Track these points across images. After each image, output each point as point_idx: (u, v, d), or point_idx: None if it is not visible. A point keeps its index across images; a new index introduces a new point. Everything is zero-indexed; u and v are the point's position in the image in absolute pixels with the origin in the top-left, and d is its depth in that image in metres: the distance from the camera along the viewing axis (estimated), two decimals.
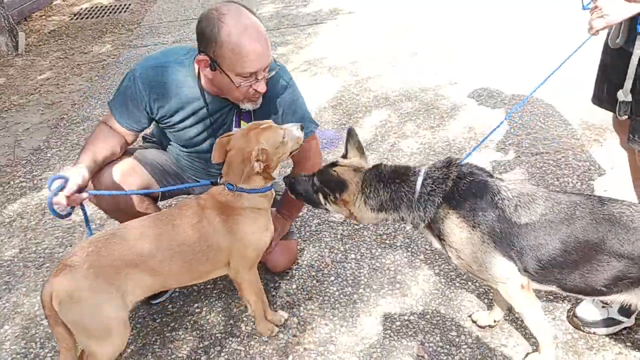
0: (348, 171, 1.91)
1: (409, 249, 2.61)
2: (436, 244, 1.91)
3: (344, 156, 2.04)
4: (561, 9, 5.60)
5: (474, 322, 2.16)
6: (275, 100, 2.15)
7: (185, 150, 2.29)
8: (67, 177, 1.84)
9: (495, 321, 2.13)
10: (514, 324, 2.14)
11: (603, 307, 2.02)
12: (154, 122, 2.23)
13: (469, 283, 2.37)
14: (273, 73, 2.00)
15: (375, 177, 1.88)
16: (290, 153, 2.00)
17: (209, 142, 2.21)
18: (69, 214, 1.92)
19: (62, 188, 1.80)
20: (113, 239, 1.81)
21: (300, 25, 6.02)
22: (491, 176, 1.83)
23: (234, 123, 2.18)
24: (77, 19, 7.36)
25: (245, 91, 1.94)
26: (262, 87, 1.95)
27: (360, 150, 2.03)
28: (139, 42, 6.10)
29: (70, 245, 2.86)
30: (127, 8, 7.60)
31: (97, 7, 7.83)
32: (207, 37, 1.86)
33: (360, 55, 5.02)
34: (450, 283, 2.38)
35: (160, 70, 2.06)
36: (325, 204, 1.96)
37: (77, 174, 1.87)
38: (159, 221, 1.91)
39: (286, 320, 2.23)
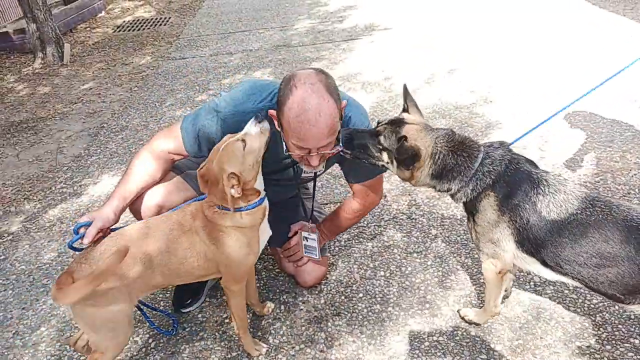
0: (419, 135, 1.90)
1: (440, 269, 2.58)
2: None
3: (405, 111, 2.05)
4: (583, 17, 5.51)
5: (462, 318, 2.26)
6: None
7: None
8: (91, 222, 1.92)
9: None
10: (547, 351, 2.09)
11: None
12: None
13: (501, 305, 2.32)
14: (330, 152, 1.99)
15: (445, 146, 1.90)
16: (267, 146, 1.91)
17: (280, 175, 2.28)
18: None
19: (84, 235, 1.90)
20: (122, 239, 1.89)
21: (335, 41, 6.08)
22: (536, 167, 1.89)
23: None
24: (119, 31, 7.63)
25: (298, 158, 2.00)
26: (314, 162, 1.97)
27: (417, 106, 2.06)
28: (177, 54, 6.28)
29: None
30: (168, 21, 7.84)
31: (139, 20, 8.10)
32: (279, 98, 1.90)
33: (394, 71, 5.04)
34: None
35: (242, 117, 2.02)
36: (388, 164, 1.98)
37: (100, 219, 1.93)
38: (161, 224, 1.95)
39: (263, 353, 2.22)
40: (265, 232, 2.06)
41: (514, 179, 1.84)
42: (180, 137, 2.13)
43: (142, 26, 7.74)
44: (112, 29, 7.78)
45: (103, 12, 8.47)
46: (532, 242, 1.83)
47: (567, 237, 1.75)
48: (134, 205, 2.13)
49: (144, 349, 2.29)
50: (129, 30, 7.64)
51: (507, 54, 5.15)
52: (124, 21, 8.10)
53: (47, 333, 2.43)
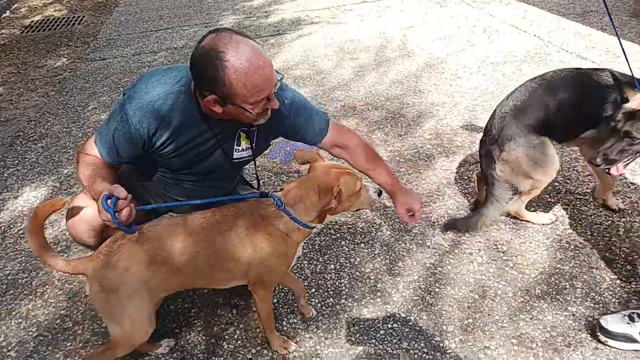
0: None
1: (387, 257, 2.62)
2: None
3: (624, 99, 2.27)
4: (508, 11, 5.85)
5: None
6: (285, 118, 2.11)
7: (178, 173, 2.20)
8: (114, 192, 1.73)
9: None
10: (495, 326, 2.19)
11: (629, 323, 2.05)
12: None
13: (448, 287, 2.41)
14: (280, 83, 1.93)
15: None
16: (357, 210, 2.04)
17: (209, 160, 2.14)
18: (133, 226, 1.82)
19: (116, 201, 1.71)
20: (145, 234, 1.83)
21: (262, 36, 6.01)
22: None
23: (236, 140, 2.11)
24: (28, 32, 7.07)
25: (260, 113, 1.89)
26: (276, 103, 1.90)
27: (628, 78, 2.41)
28: (96, 55, 5.92)
29: (35, 270, 2.72)
30: (81, 21, 7.37)
31: (49, 19, 7.56)
32: (211, 79, 1.76)
33: (325, 65, 5.06)
34: (429, 288, 2.41)
35: (153, 106, 1.91)
36: None
37: (116, 189, 1.75)
38: (192, 221, 1.89)
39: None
40: (300, 251, 2.06)
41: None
42: (97, 152, 1.99)
43: (53, 26, 7.22)
44: (20, 29, 7.20)
45: (8, 11, 7.82)
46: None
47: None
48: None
49: None
50: (39, 30, 7.10)
51: (433, 44, 5.33)
52: (33, 21, 7.52)
53: None
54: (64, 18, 7.57)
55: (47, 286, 2.60)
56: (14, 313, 2.45)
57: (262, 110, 1.88)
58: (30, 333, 2.33)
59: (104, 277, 1.77)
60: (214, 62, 1.72)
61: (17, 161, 3.87)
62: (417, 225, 2.81)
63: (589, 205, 2.85)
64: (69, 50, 6.23)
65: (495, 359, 2.05)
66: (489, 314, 2.25)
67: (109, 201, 1.70)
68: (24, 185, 3.54)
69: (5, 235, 3.05)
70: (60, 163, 3.75)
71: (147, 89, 1.94)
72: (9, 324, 2.39)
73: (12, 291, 2.60)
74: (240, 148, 2.13)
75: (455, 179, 3.19)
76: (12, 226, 3.13)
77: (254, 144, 2.15)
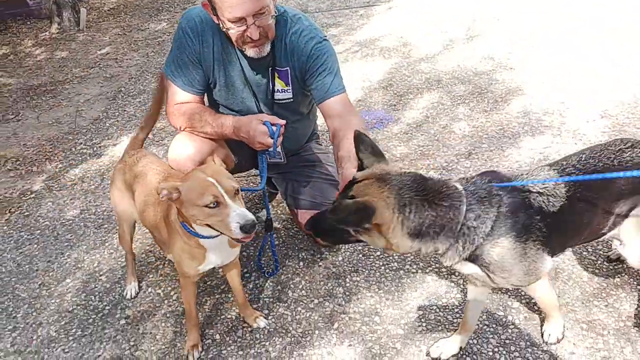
0: (371, 189, 1.47)
1: None
2: (470, 270, 1.65)
3: (360, 167, 1.63)
4: None
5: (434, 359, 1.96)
6: (306, 55, 2.15)
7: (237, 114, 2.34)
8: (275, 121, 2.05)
9: (461, 348, 1.96)
10: (565, 308, 2.10)
11: None
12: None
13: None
14: (270, 21, 1.98)
15: (417, 195, 1.46)
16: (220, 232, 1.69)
17: (256, 105, 2.29)
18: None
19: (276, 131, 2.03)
20: (141, 163, 2.13)
21: (352, 7, 5.99)
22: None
23: (270, 83, 2.22)
24: None
25: (238, 36, 1.99)
26: (253, 34, 1.96)
27: (377, 154, 1.62)
28: None
29: None
30: None
31: None
32: None
33: (413, 37, 4.96)
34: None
35: (200, 18, 2.12)
36: (357, 235, 1.52)
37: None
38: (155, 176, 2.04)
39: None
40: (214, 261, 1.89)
41: (512, 209, 1.55)
42: (179, 93, 2.19)
43: None
44: None
45: None
46: (558, 240, 1.68)
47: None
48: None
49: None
50: None
51: (527, 21, 5.04)
52: None
53: (72, 284, 2.50)
54: None
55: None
56: (106, 244, 2.73)
57: (239, 34, 1.96)
58: (119, 262, 2.58)
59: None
60: None
61: (117, 113, 4.22)
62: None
63: None
64: (169, 15, 6.60)
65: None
66: (559, 296, 2.15)
67: (274, 127, 2.01)
68: (122, 135, 3.86)
69: (104, 177, 3.36)
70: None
71: (195, 9, 2.17)
72: (102, 253, 2.67)
73: (106, 225, 2.88)
74: (277, 88, 2.23)
75: (540, 160, 3.05)
76: (110, 169, 3.44)
77: (289, 84, 2.23)
